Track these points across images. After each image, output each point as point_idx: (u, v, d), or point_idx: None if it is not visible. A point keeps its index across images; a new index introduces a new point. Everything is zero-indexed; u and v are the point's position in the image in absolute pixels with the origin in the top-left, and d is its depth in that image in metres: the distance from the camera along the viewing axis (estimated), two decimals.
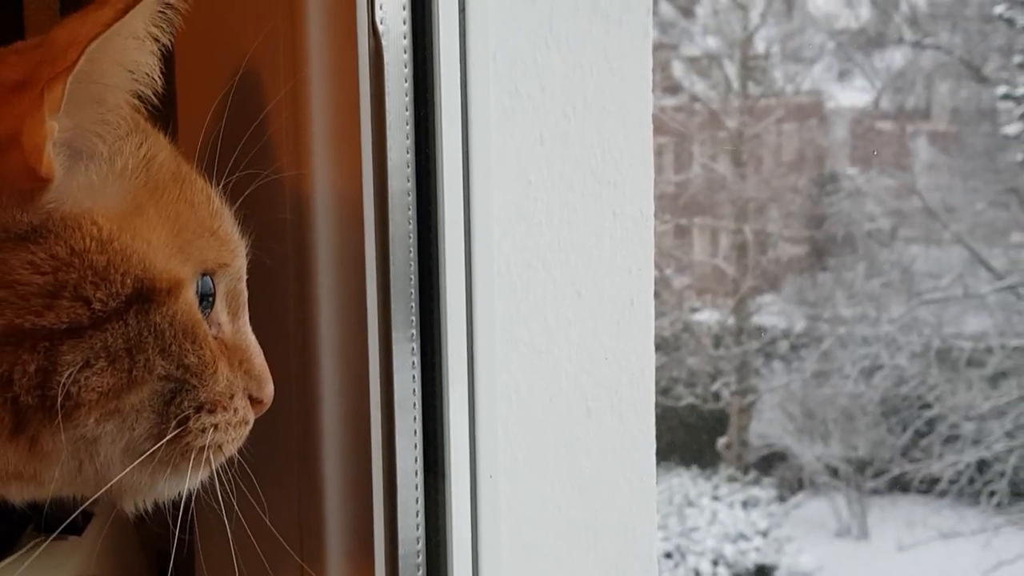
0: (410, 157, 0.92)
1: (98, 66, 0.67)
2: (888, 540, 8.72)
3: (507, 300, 1.07)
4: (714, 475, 8.76)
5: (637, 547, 1.25)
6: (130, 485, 0.72)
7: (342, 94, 0.88)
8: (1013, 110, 9.31)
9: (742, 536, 8.24)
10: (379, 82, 0.88)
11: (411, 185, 0.92)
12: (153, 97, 0.70)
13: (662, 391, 8.69)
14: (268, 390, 0.76)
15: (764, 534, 8.40)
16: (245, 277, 0.77)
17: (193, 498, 0.77)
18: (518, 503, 1.10)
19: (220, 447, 0.73)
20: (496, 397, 1.06)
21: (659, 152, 10.29)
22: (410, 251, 0.92)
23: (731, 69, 10.78)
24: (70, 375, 0.66)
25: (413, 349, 0.93)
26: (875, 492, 9.30)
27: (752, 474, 9.10)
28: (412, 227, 0.93)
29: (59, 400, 0.66)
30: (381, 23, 0.89)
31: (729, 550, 8.11)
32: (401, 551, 0.88)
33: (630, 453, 1.23)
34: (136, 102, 0.71)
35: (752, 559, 8.14)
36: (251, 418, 0.75)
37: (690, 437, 9.16)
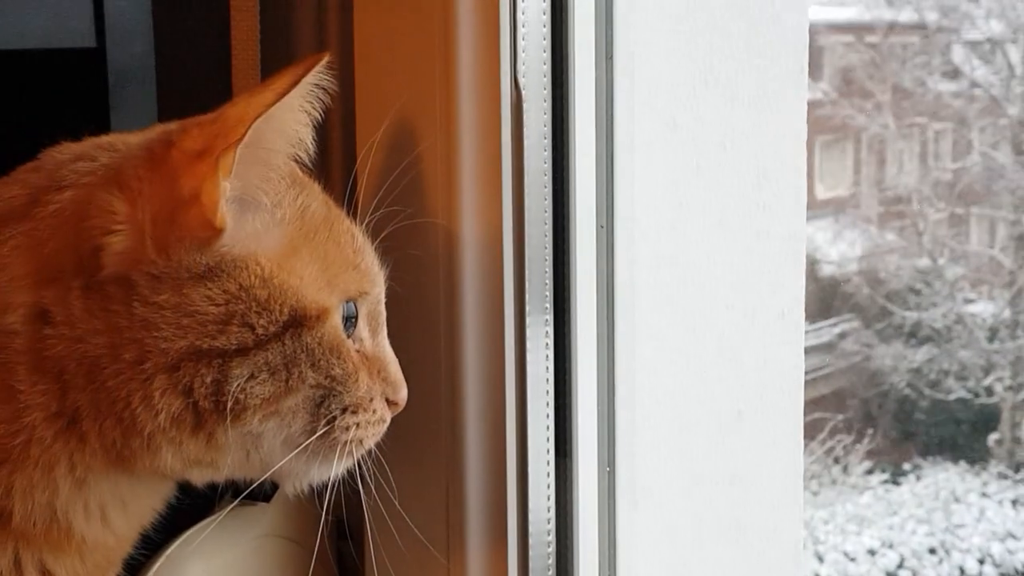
0: (548, 191, 1.06)
1: (261, 136, 0.84)
2: None
3: (659, 310, 1.19)
4: (983, 471, 8.54)
5: (782, 540, 1.35)
6: (288, 470, 0.89)
7: (487, 139, 1.03)
8: None
9: (1011, 535, 8.02)
10: (519, 130, 1.03)
11: (548, 215, 1.06)
12: (306, 156, 0.88)
13: (931, 384, 8.52)
14: (402, 394, 0.93)
15: None
16: (384, 300, 0.93)
17: (366, 475, 0.94)
18: (661, 493, 1.21)
19: (361, 441, 0.90)
20: (640, 394, 1.18)
21: (936, 139, 10.04)
22: (546, 262, 1.06)
23: (1015, 54, 10.42)
24: (238, 385, 0.84)
25: (547, 344, 1.07)
26: None
27: None
28: (548, 247, 1.07)
29: (229, 405, 0.83)
30: (523, 77, 1.03)
31: (997, 549, 7.91)
32: (532, 530, 1.03)
33: (778, 453, 1.33)
34: (294, 161, 0.89)
35: (1021, 559, 7.91)
36: (388, 417, 0.92)
37: (959, 432, 8.91)
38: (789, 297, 1.30)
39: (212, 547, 1.03)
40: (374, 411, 0.91)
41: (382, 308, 0.94)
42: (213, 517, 1.02)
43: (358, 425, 0.89)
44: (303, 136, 0.88)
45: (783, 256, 1.28)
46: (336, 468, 0.90)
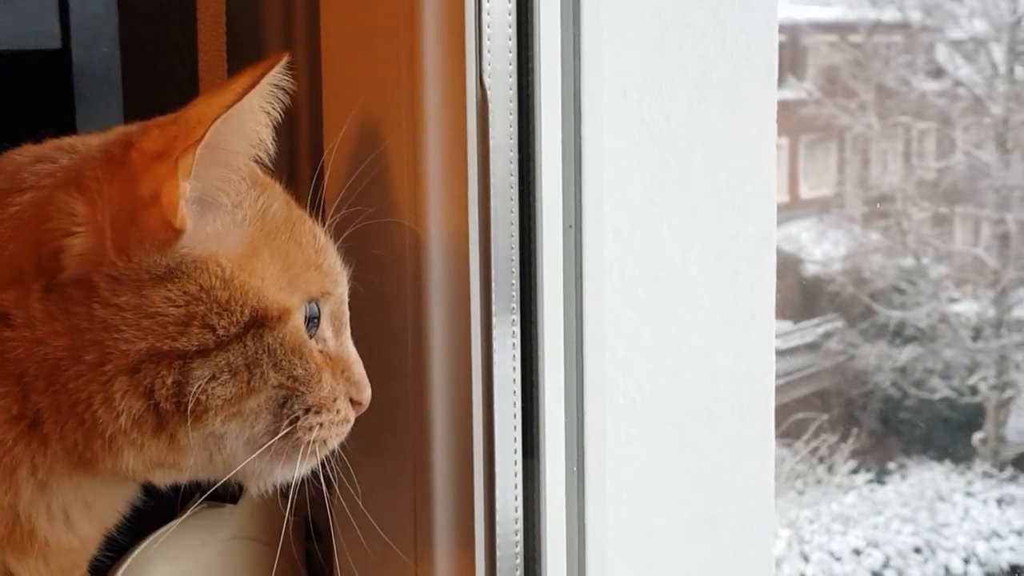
0: (514, 191, 1.05)
1: (221, 137, 0.84)
2: None
3: (631, 309, 1.19)
4: (968, 470, 8.55)
5: (754, 538, 1.35)
6: (252, 471, 0.89)
7: (452, 139, 1.03)
8: None
9: (996, 534, 8.03)
10: (485, 130, 1.03)
11: (515, 215, 1.06)
12: (266, 157, 0.88)
13: (915, 383, 8.53)
14: (366, 394, 0.93)
15: (1020, 533, 8.14)
16: (347, 300, 0.93)
17: (331, 475, 0.94)
18: (632, 493, 1.21)
19: (324, 441, 0.90)
20: (612, 393, 1.17)
21: (920, 138, 10.05)
22: (512, 261, 1.06)
23: (998, 53, 10.43)
24: (199, 386, 0.83)
25: (514, 344, 1.06)
26: None
27: (1008, 471, 8.85)
28: (515, 246, 1.06)
29: (190, 406, 0.83)
30: (489, 77, 1.03)
31: (982, 548, 7.91)
32: (499, 531, 1.03)
33: (749, 452, 1.33)
34: (255, 161, 0.89)
35: (1006, 558, 7.92)
36: (352, 417, 0.92)
37: (944, 431, 8.90)
38: (761, 297, 1.31)
39: (178, 549, 1.03)
40: (337, 411, 0.91)
41: (345, 308, 0.94)
42: (179, 519, 1.01)
43: (321, 425, 0.90)
44: (263, 136, 0.88)
45: (755, 255, 1.29)
46: (300, 469, 0.90)
